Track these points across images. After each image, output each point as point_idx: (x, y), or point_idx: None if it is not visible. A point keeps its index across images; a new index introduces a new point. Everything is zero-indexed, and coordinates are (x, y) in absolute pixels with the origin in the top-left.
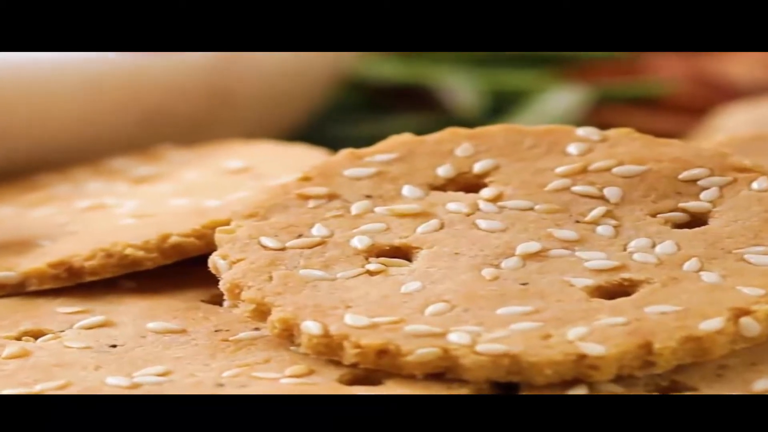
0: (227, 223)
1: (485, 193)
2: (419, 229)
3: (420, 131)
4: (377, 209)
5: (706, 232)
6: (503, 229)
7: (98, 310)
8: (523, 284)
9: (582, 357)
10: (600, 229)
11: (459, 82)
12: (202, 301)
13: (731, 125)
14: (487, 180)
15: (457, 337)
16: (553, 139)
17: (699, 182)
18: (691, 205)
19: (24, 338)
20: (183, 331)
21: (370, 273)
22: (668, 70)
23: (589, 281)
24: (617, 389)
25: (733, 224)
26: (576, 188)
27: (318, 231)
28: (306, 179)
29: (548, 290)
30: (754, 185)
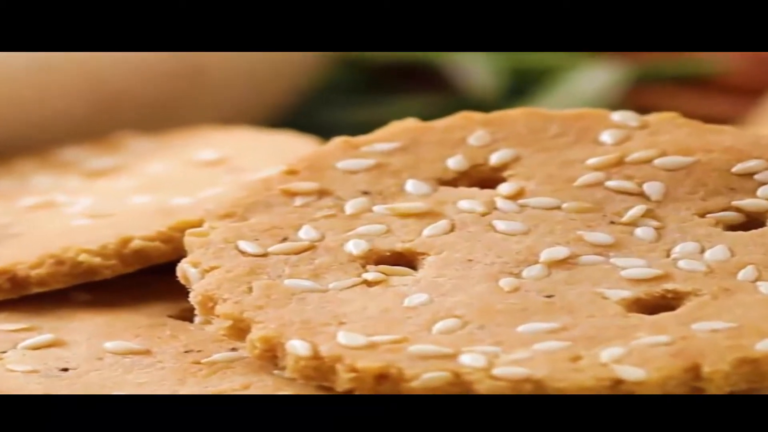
0: (199, 224)
1: (503, 189)
2: (425, 232)
3: (427, 116)
4: (376, 208)
5: (764, 235)
6: (525, 231)
7: (46, 328)
8: (548, 297)
9: (618, 382)
10: (639, 231)
11: (473, 59)
12: (169, 316)
13: None
14: (505, 174)
15: (470, 359)
16: (584, 126)
17: (756, 176)
18: (747, 203)
19: None
20: (147, 352)
21: (368, 283)
22: None
23: (626, 293)
24: None
25: None
26: (611, 183)
27: (306, 234)
28: (292, 173)
29: (578, 304)
30: None
